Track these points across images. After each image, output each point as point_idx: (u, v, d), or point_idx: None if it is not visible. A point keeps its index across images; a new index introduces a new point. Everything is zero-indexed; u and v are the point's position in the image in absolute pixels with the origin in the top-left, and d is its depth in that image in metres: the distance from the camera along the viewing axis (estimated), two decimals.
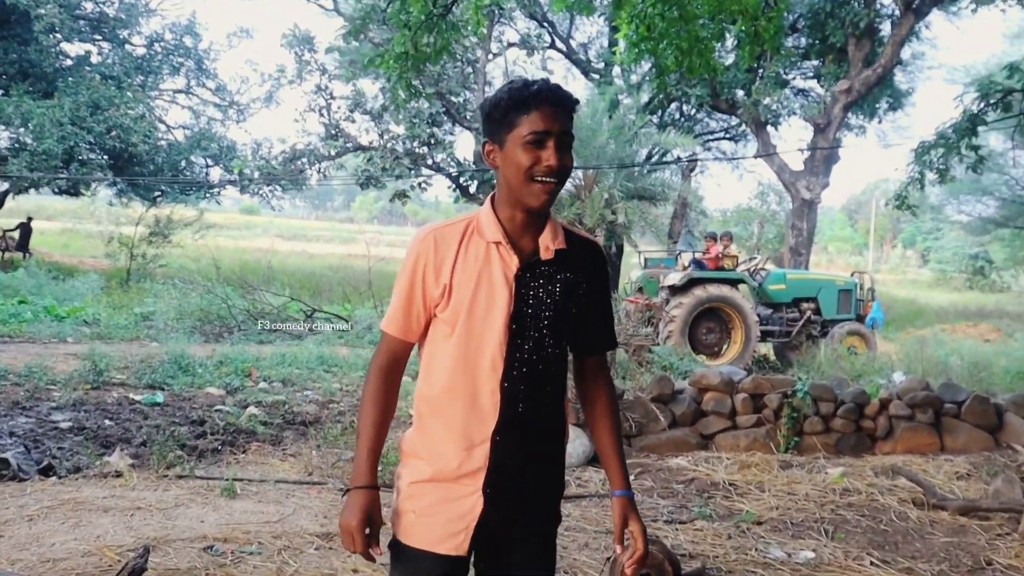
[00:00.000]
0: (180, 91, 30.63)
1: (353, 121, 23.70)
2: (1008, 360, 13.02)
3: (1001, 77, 11.53)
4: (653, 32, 8.13)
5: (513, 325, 2.26)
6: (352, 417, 8.99)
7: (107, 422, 8.02)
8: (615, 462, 2.46)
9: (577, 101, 2.28)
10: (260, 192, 26.92)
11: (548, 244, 2.29)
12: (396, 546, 2.34)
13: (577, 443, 7.56)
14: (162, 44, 29.30)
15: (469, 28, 8.80)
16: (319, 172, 24.26)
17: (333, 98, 23.64)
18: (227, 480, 6.12)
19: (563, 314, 2.31)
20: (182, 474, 6.39)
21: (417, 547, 2.29)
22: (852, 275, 17.57)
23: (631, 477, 6.80)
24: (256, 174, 23.95)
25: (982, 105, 11.56)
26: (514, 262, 2.26)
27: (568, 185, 21.11)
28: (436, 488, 2.29)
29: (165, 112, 30.88)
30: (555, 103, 2.19)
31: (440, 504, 2.28)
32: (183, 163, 28.28)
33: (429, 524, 2.28)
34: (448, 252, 2.26)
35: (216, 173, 29.34)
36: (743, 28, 8.60)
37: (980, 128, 11.73)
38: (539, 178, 2.18)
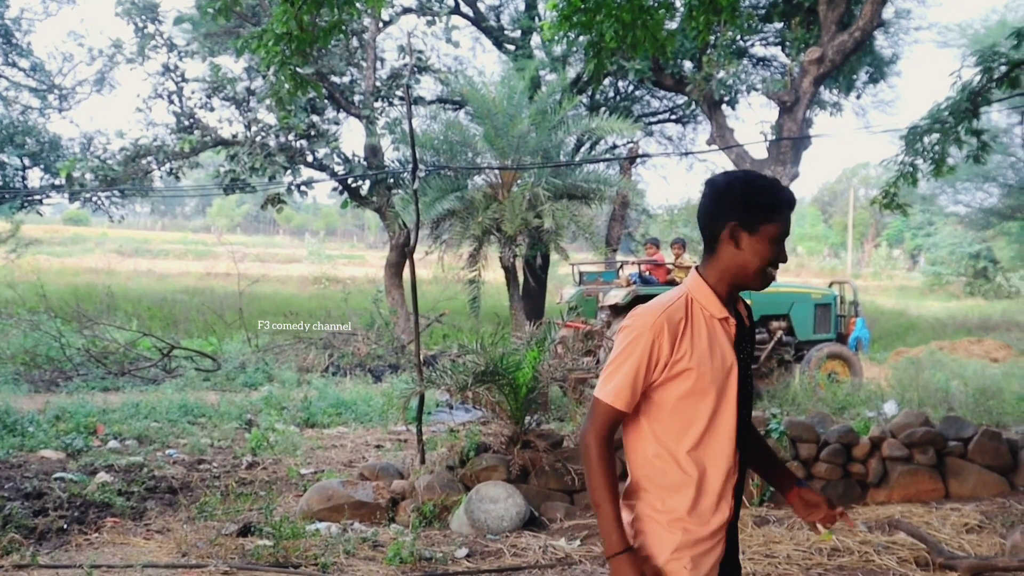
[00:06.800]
0: None
1: (211, 109, 23.47)
2: (1021, 384, 13.34)
3: (1006, 45, 11.84)
4: (588, 2, 8.34)
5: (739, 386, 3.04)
6: (228, 480, 9.05)
7: None
8: (786, 467, 3.46)
9: None
10: (94, 199, 26.42)
11: (744, 312, 3.16)
12: None
13: (509, 502, 7.72)
14: None
15: (366, 2, 8.88)
16: (170, 173, 23.91)
17: (185, 81, 23.38)
18: (83, 568, 6.12)
19: (752, 371, 3.17)
20: (22, 563, 6.36)
21: None
22: (830, 285, 17.97)
23: (577, 541, 7.01)
24: (89, 177, 23.47)
25: (984, 81, 11.86)
26: (733, 332, 3.05)
27: (482, 185, 21.33)
28: (696, 542, 3.00)
29: None
30: (792, 209, 3.05)
31: (703, 555, 3.01)
32: None
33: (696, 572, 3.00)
34: (678, 330, 2.95)
35: (35, 176, 28.66)
36: None
37: (982, 108, 12.04)
38: (771, 270, 3.01)
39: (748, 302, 3.24)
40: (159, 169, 23.87)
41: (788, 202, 3.01)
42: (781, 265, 3.04)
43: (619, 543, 2.91)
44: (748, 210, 2.97)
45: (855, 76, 26.12)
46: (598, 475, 2.95)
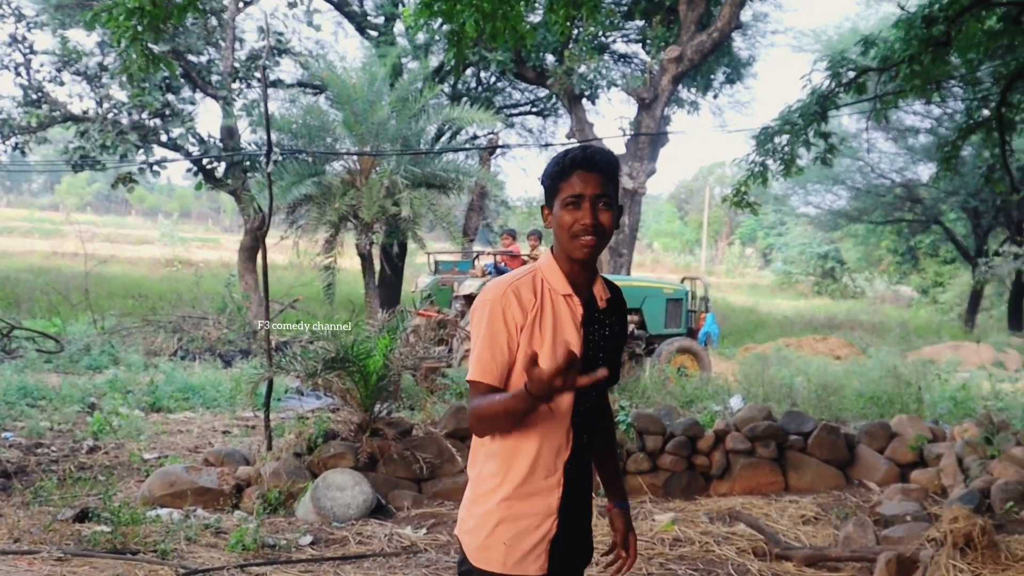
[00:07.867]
0: None
1: (61, 83, 22.68)
2: (860, 381, 13.81)
3: (855, 52, 12.31)
4: None
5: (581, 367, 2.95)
6: (66, 465, 8.85)
7: None
8: (616, 479, 3.45)
9: (615, 164, 3.08)
10: None
11: (601, 294, 3.17)
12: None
13: (356, 490, 7.69)
14: None
15: None
16: (16, 148, 23.14)
17: (34, 53, 22.59)
18: None
19: (610, 354, 3.20)
20: None
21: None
22: (682, 281, 18.32)
23: (424, 530, 7.03)
24: None
25: (833, 85, 12.28)
26: (579, 311, 3.08)
27: (340, 171, 21.20)
28: (518, 517, 3.02)
29: None
30: (588, 168, 2.99)
31: (525, 533, 3.02)
32: None
33: (516, 549, 3.02)
34: (528, 304, 3.00)
35: None
36: None
37: (831, 112, 12.47)
38: (579, 236, 2.99)
39: (617, 286, 3.29)
40: (4, 143, 23.04)
41: (573, 162, 3.00)
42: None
43: (519, 392, 2.77)
44: (546, 192, 3.10)
45: (713, 76, 26.74)
46: (490, 406, 2.89)
